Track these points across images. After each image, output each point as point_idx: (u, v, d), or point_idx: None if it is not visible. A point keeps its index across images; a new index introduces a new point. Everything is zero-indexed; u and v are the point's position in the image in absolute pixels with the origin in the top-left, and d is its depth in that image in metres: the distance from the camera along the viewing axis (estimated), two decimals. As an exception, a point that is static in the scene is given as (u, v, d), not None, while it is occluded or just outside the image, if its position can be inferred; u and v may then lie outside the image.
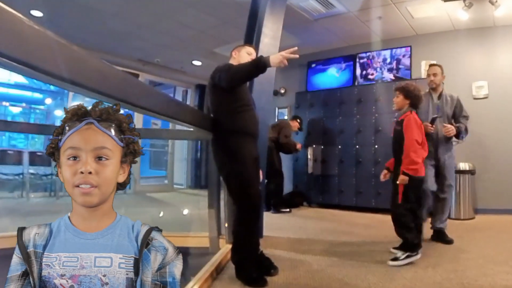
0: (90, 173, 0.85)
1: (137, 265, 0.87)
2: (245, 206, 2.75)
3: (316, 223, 5.37)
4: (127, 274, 0.85)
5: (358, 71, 7.09)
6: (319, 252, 3.54)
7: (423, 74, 6.14)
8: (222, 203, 3.54)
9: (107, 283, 0.83)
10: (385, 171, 3.51)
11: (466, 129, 3.84)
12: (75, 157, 0.86)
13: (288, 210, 6.36)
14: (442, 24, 6.06)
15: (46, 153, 0.94)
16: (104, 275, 0.83)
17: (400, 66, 6.68)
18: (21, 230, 0.87)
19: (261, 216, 3.57)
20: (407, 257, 3.06)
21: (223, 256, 3.08)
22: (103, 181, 0.87)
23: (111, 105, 0.97)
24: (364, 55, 7.07)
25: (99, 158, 0.88)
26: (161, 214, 4.93)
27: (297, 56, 2.51)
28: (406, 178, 3.10)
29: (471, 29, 6.02)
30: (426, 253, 3.31)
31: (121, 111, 0.98)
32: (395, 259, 3.08)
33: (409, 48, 6.62)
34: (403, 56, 6.67)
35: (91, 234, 0.88)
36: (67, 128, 0.90)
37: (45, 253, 0.84)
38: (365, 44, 6.94)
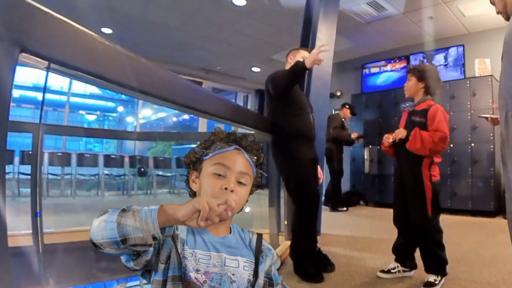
0: (232, 191, 0.91)
1: (256, 269, 0.93)
2: (302, 205, 2.72)
3: (372, 221, 5.21)
4: (248, 276, 0.91)
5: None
6: (375, 250, 3.42)
7: (477, 73, 5.81)
8: (282, 201, 3.51)
9: (234, 281, 0.88)
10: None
11: None
12: (220, 174, 0.92)
13: (345, 208, 6.24)
14: (495, 21, 5.59)
15: (186, 160, 0.99)
16: (233, 274, 0.88)
17: (455, 65, 6.32)
18: None
19: (319, 214, 3.51)
20: (440, 280, 2.41)
21: (282, 252, 3.05)
22: (238, 201, 0.92)
23: (257, 141, 1.04)
24: (417, 56, 6.76)
25: (239, 182, 0.94)
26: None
27: (328, 48, 2.47)
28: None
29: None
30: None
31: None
32: (431, 284, 2.37)
33: (462, 47, 6.26)
34: (456, 55, 6.30)
35: (218, 237, 0.93)
36: (218, 146, 0.97)
37: (184, 247, 0.88)
38: (418, 44, 6.66)
